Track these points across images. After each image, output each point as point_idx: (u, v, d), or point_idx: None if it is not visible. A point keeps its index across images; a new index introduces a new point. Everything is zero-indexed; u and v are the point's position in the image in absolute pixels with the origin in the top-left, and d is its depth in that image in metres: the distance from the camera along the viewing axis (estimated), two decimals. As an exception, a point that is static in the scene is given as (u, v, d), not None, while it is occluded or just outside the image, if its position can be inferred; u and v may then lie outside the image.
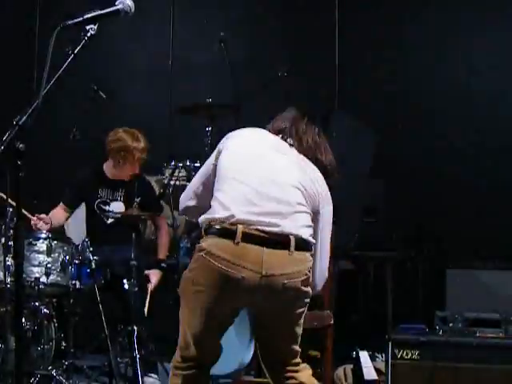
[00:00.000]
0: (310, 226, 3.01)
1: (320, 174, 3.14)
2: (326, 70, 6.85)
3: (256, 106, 6.26)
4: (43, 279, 4.63)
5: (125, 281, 4.78)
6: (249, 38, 7.22)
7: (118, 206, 5.34)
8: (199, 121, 5.97)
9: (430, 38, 6.71)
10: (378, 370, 4.44)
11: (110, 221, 5.34)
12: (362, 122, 6.23)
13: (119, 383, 4.52)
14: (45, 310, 4.70)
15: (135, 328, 4.63)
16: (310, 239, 2.99)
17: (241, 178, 3.00)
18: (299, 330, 3.06)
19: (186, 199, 3.28)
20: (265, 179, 3.00)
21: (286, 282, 2.85)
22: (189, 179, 5.40)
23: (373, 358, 4.60)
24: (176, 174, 5.55)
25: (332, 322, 4.36)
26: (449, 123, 6.44)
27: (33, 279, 4.57)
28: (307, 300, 3.01)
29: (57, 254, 4.73)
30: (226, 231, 2.86)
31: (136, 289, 4.81)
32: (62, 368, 4.61)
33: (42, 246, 4.69)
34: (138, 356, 4.58)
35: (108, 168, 5.39)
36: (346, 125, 6.17)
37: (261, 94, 6.22)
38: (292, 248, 2.86)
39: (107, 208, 5.33)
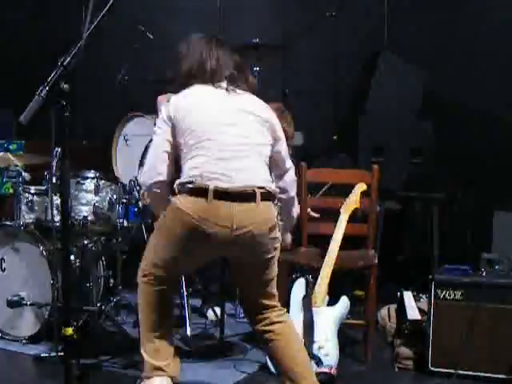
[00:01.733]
0: (271, 179, 3.25)
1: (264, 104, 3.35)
2: (375, 10, 6.72)
3: (304, 47, 6.22)
4: (91, 218, 4.75)
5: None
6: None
7: None
8: (247, 61, 5.96)
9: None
10: (421, 311, 4.45)
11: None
12: (410, 63, 6.16)
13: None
14: (93, 248, 4.80)
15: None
16: (274, 190, 3.20)
17: (209, 138, 3.10)
18: (272, 274, 3.27)
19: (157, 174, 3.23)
20: (230, 138, 3.14)
21: (255, 232, 3.08)
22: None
23: (417, 299, 4.61)
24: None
25: (376, 261, 4.38)
26: (500, 65, 6.29)
27: (81, 217, 4.69)
28: (277, 245, 3.23)
29: (104, 193, 4.81)
30: (198, 190, 3.02)
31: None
32: (111, 304, 4.75)
33: (89, 185, 4.77)
34: (185, 293, 4.69)
35: None
36: (393, 65, 6.11)
37: (309, 34, 6.17)
38: (258, 200, 3.06)
39: None
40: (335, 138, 6.44)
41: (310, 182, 4.70)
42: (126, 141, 5.94)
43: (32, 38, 7.13)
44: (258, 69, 5.72)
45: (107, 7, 2.72)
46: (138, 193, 4.74)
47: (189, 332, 4.59)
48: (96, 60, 6.11)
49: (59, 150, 4.23)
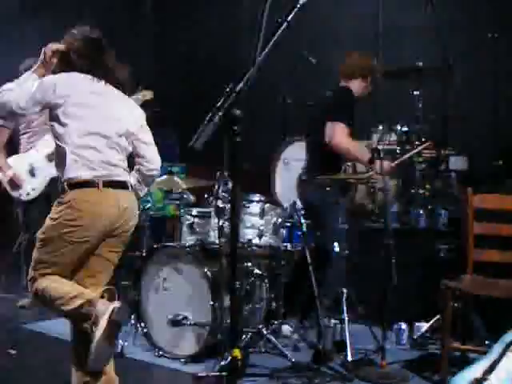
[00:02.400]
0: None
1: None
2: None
3: (465, 69, 6.08)
4: (256, 241, 4.79)
5: (336, 244, 4.82)
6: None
7: None
8: (405, 84, 5.89)
9: None
10: None
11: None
12: None
13: (325, 344, 4.58)
14: (257, 271, 4.89)
15: (344, 291, 4.69)
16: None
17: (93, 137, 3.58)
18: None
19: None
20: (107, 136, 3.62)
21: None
22: (399, 143, 5.38)
23: None
24: (385, 138, 5.48)
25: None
26: None
27: (246, 240, 4.75)
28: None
29: (269, 217, 4.87)
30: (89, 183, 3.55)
31: (346, 252, 4.87)
32: (272, 327, 4.79)
33: (255, 208, 4.83)
34: (346, 319, 4.64)
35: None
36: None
37: (469, 56, 6.02)
38: (130, 188, 3.72)
39: None
40: (500, 162, 6.22)
41: (476, 207, 4.57)
42: (286, 164, 6.01)
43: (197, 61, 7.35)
44: (418, 92, 5.63)
45: (278, 33, 2.72)
46: (299, 217, 4.74)
47: (349, 358, 4.53)
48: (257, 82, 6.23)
49: (227, 174, 4.35)
